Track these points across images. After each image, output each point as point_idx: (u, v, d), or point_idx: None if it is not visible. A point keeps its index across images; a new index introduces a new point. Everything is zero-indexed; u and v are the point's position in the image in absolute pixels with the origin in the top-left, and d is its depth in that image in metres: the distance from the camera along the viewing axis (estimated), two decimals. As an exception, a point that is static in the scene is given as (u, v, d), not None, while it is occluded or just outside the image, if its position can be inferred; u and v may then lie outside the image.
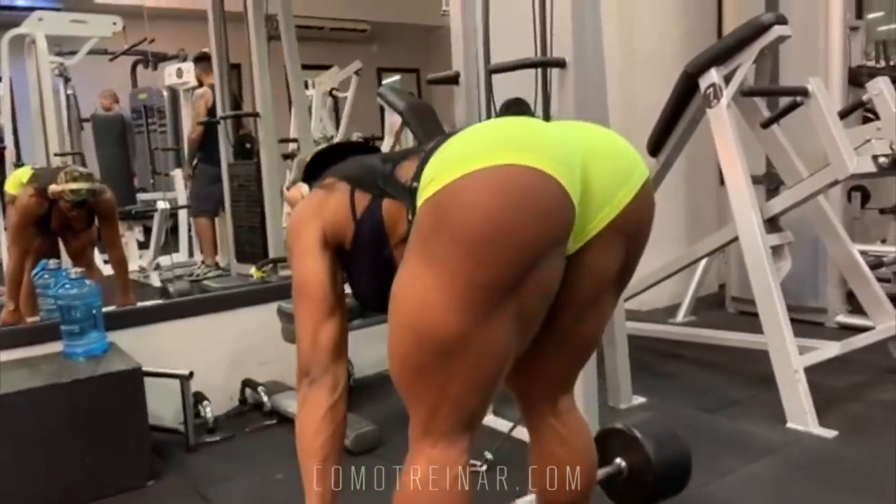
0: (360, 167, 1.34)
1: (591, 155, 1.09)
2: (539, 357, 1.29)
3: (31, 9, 5.39)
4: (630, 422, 1.77)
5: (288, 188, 1.60)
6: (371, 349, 2.27)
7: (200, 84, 5.16)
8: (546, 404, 1.35)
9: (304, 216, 1.35)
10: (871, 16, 6.70)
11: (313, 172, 1.50)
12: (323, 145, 1.57)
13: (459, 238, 0.99)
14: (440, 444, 1.14)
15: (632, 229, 1.16)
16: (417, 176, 1.13)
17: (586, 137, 1.15)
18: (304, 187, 1.53)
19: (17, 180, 3.65)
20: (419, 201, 1.07)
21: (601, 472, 1.59)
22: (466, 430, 1.16)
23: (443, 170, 1.03)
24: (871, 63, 4.44)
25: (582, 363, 1.36)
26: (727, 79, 2.92)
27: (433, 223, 1.04)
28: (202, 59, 4.99)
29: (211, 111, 4.57)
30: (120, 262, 3.68)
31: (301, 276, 1.32)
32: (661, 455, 1.63)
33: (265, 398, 2.95)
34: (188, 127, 5.35)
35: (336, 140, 6.28)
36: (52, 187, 3.22)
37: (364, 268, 1.31)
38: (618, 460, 1.66)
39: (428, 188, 1.05)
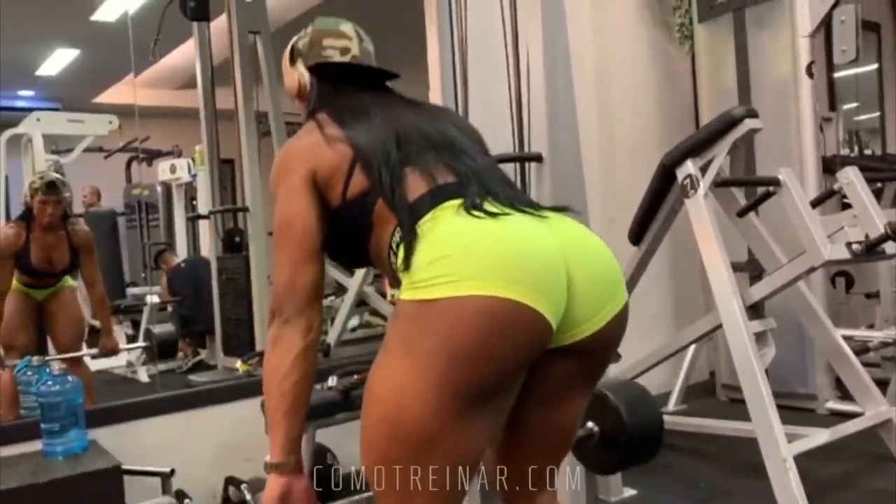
0: (370, 134, 1.28)
1: (577, 266, 1.14)
2: (512, 452, 1.32)
3: (30, 109, 5.53)
4: (602, 384, 1.66)
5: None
6: (356, 444, 2.23)
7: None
8: (525, 501, 1.35)
9: (297, 154, 1.30)
10: (846, 106, 6.93)
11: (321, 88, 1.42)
12: (339, 59, 1.44)
13: (447, 346, 1.06)
14: None
15: (604, 343, 1.21)
16: (411, 231, 1.16)
17: (574, 243, 1.18)
18: (305, 75, 1.43)
19: None
20: (407, 287, 1.12)
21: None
22: None
23: (438, 276, 1.07)
24: (846, 152, 4.57)
25: (555, 459, 1.35)
26: (703, 170, 3.00)
27: (424, 326, 1.08)
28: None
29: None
30: (101, 301, 3.61)
31: (287, 214, 1.27)
32: (634, 419, 1.54)
33: (248, 496, 2.87)
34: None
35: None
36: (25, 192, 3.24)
37: (338, 234, 1.30)
38: (589, 424, 1.57)
39: (421, 289, 1.09)
